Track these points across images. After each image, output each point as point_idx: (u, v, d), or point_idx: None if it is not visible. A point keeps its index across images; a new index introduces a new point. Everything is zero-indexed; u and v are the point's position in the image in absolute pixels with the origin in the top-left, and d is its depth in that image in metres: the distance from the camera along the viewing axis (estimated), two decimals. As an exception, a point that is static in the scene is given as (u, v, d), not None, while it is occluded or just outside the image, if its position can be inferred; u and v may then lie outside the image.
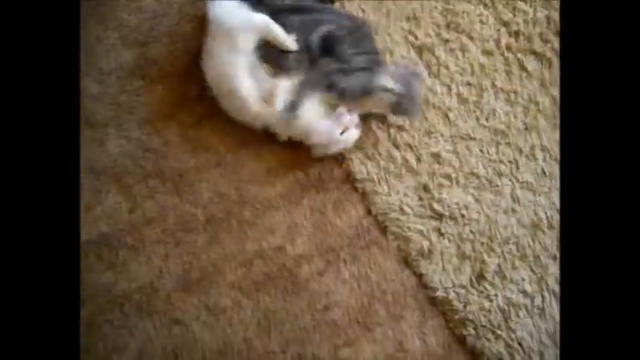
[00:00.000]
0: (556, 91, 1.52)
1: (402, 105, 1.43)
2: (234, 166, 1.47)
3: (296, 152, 1.47)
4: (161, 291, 1.36)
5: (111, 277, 1.38)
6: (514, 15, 1.61)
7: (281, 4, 1.50)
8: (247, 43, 1.43)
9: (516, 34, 1.59)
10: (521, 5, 1.63)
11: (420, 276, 1.34)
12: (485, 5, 1.63)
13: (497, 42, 1.59)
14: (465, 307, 1.30)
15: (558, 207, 1.39)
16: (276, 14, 1.45)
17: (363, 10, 1.62)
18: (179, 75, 1.57)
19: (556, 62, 1.55)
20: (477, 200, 1.41)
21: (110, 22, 1.68)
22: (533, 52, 1.57)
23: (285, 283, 1.35)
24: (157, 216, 1.43)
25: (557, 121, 1.48)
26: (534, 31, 1.59)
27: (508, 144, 1.47)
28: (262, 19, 1.43)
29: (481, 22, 1.61)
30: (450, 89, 1.54)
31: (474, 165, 1.44)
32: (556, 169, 1.43)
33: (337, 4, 1.62)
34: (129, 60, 1.62)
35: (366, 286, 1.34)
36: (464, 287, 1.32)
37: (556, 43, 1.57)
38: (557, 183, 1.41)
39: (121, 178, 1.48)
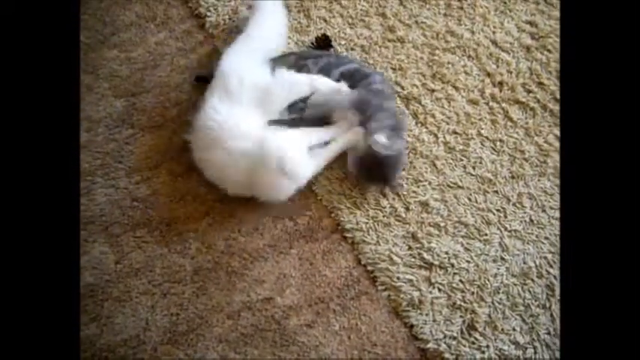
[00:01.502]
0: (541, 140, 1.55)
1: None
2: (222, 216, 1.46)
3: (284, 202, 1.47)
4: (147, 344, 1.32)
5: (95, 330, 1.35)
6: (497, 66, 1.66)
7: (296, 57, 1.57)
8: (283, 104, 1.47)
9: (500, 84, 1.63)
10: (504, 56, 1.68)
11: (410, 327, 1.32)
12: (469, 57, 1.68)
13: (482, 92, 1.63)
14: (456, 359, 1.28)
15: (547, 255, 1.39)
16: (296, 66, 1.52)
17: (351, 61, 1.66)
18: (169, 125, 1.59)
19: (539, 111, 1.59)
20: (466, 249, 1.41)
21: (101, 72, 1.70)
22: (517, 102, 1.61)
23: (273, 336, 1.32)
24: (144, 266, 1.42)
25: (543, 170, 1.50)
26: (517, 82, 1.63)
27: (496, 192, 1.48)
28: (308, 78, 1.48)
29: (466, 72, 1.66)
30: (437, 138, 1.56)
31: (462, 213, 1.45)
32: (544, 218, 1.44)
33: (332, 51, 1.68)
34: (119, 109, 1.64)
35: (357, 338, 1.32)
36: (455, 338, 1.30)
37: (539, 93, 1.61)
38: (545, 231, 1.42)
39: (108, 227, 1.47)
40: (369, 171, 1.44)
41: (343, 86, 1.49)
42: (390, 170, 1.44)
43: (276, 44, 1.62)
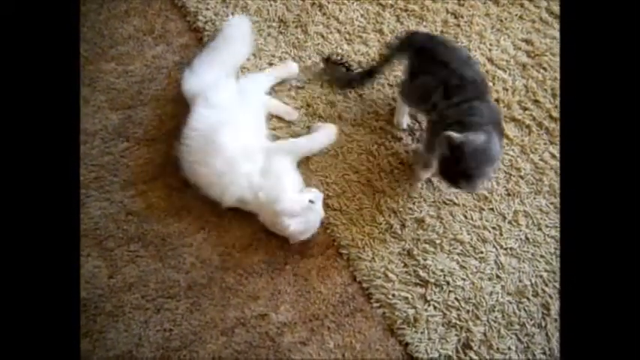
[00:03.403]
0: (537, 157, 1.55)
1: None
2: (217, 231, 1.46)
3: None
4: (139, 360, 1.32)
5: (88, 346, 1.33)
6: (493, 83, 1.66)
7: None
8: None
9: (496, 101, 1.64)
10: (500, 74, 1.68)
11: (405, 345, 1.32)
12: (465, 74, 1.68)
13: (479, 109, 1.63)
14: (451, 377, 1.28)
15: (542, 274, 1.39)
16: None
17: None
18: (164, 138, 1.58)
19: (535, 129, 1.59)
20: (461, 267, 1.40)
21: (98, 85, 1.70)
22: (513, 119, 1.61)
23: (267, 353, 1.31)
24: (138, 281, 1.41)
25: (539, 187, 1.51)
26: (513, 99, 1.64)
27: (491, 210, 1.48)
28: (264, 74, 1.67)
29: (462, 89, 1.66)
30: (433, 154, 1.56)
31: (457, 231, 1.45)
32: (539, 236, 1.44)
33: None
34: (115, 122, 1.63)
35: (351, 356, 1.31)
36: (450, 357, 1.29)
37: (535, 110, 1.62)
38: (540, 250, 1.42)
39: (101, 241, 1.46)
40: (447, 169, 1.27)
41: (289, 62, 1.68)
42: (469, 165, 1.22)
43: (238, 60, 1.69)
